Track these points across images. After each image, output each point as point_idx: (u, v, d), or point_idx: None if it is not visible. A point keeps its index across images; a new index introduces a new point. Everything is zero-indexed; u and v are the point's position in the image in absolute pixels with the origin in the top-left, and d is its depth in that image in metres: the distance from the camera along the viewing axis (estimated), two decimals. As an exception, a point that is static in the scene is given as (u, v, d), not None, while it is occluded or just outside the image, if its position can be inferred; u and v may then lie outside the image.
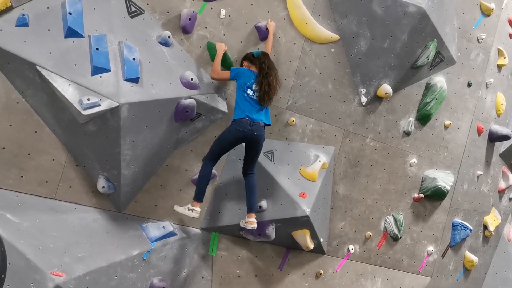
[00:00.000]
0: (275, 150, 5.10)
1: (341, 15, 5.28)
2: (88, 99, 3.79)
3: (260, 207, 4.85)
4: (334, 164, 5.49)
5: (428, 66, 5.78)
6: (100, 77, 3.94)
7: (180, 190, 4.77)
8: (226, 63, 4.77)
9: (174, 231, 4.67)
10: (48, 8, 4.00)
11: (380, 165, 5.82)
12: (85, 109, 3.77)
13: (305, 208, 4.88)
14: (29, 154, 4.12)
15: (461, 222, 6.56)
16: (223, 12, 4.75)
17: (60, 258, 3.89)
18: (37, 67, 3.85)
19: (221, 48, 4.66)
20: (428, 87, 5.96)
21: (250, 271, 5.17)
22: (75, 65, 3.92)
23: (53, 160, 4.22)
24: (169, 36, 4.46)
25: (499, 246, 7.24)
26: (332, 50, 5.32)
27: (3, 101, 4.00)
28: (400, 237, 6.06)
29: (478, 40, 6.30)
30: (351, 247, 5.76)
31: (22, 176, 4.12)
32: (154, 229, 4.57)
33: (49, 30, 3.95)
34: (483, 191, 6.82)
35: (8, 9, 3.94)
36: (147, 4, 4.46)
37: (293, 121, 5.21)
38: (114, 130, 4.02)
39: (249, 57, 4.63)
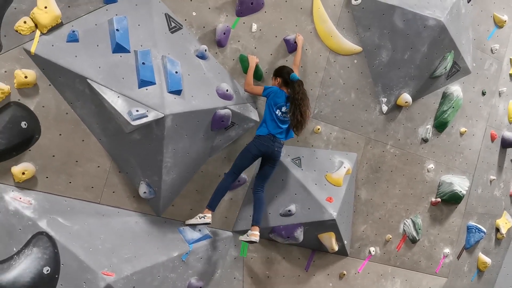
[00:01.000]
0: (302, 157, 5.36)
1: (364, 28, 5.54)
2: (137, 110, 4.05)
3: (289, 211, 5.12)
4: (356, 170, 5.75)
5: (445, 76, 6.04)
6: (146, 89, 4.20)
7: (214, 195, 5.03)
8: (257, 75, 5.03)
9: (209, 234, 4.92)
10: (96, 24, 4.27)
11: (400, 171, 6.08)
12: (134, 119, 4.03)
13: (332, 212, 5.14)
14: (76, 161, 4.39)
15: (476, 225, 6.81)
16: (254, 27, 5.02)
17: (109, 259, 4.15)
18: (88, 81, 4.12)
19: (253, 61, 4.92)
20: (445, 96, 6.22)
21: (278, 272, 5.42)
22: (123, 78, 4.19)
23: (98, 167, 4.48)
24: (206, 50, 4.73)
25: (510, 248, 7.46)
26: (355, 61, 5.58)
27: (53, 112, 4.27)
28: (418, 240, 6.31)
29: (491, 50, 6.56)
30: (372, 249, 6.01)
31: (70, 182, 4.39)
32: (191, 232, 4.83)
33: (97, 45, 4.22)
34: (496, 195, 7.07)
35: (59, 25, 4.22)
36: (185, 20, 4.73)
37: (318, 129, 5.47)
38: (158, 139, 4.28)
39: (284, 77, 4.77)
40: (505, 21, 6.59)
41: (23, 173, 4.14)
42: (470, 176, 6.65)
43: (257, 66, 4.99)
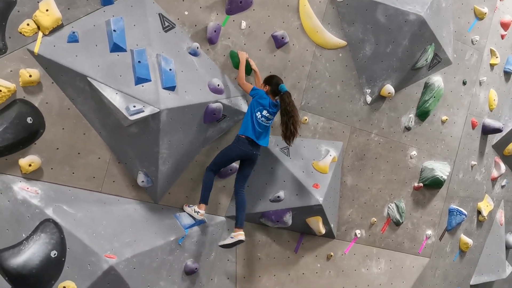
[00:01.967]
0: (290, 146, 5.68)
1: (348, 23, 5.83)
2: (134, 106, 4.36)
3: (278, 197, 5.46)
4: (342, 157, 6.08)
5: (427, 67, 6.35)
6: (143, 86, 4.51)
7: (208, 183, 5.36)
8: (246, 69, 5.30)
9: (204, 219, 5.26)
10: (94, 25, 4.54)
11: (384, 158, 6.42)
12: (131, 114, 4.35)
13: (318, 197, 5.48)
14: (79, 153, 4.70)
15: (457, 208, 7.16)
16: (243, 24, 5.30)
17: (111, 243, 4.48)
18: (88, 78, 4.42)
19: (243, 57, 5.21)
20: (427, 86, 6.53)
21: (269, 254, 5.78)
22: (120, 76, 4.49)
23: (99, 158, 4.80)
24: (198, 47, 5.02)
25: (492, 229, 7.81)
26: (340, 55, 5.88)
27: (56, 108, 4.56)
28: (402, 222, 6.67)
29: (472, 42, 6.86)
30: (358, 231, 6.38)
31: (73, 173, 4.70)
32: (186, 218, 5.16)
33: (96, 45, 4.51)
34: (477, 180, 7.42)
35: (59, 27, 4.50)
36: (178, 19, 5.00)
37: (306, 119, 5.79)
38: (154, 132, 4.60)
39: (273, 87, 4.95)
40: (485, 13, 6.86)
41: (30, 165, 4.45)
42: (451, 162, 6.99)
43: (246, 61, 5.29)
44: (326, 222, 5.76)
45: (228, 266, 5.52)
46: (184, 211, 5.19)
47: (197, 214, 5.04)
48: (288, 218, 5.55)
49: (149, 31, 4.72)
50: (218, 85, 5.04)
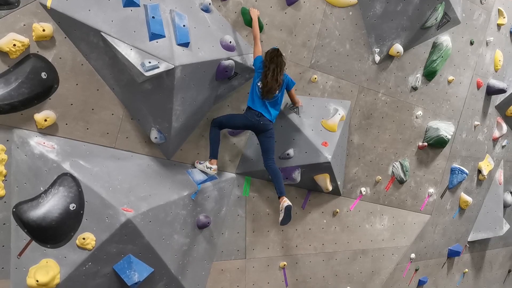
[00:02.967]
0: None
1: (359, -20, 5.79)
2: (149, 62, 4.37)
3: (288, 154, 5.56)
4: (350, 116, 6.15)
5: (436, 26, 6.34)
6: (157, 42, 4.49)
7: (218, 140, 5.44)
8: (259, 26, 5.29)
9: (215, 175, 5.37)
10: (106, -21, 4.50)
11: (390, 117, 6.50)
12: (147, 70, 4.36)
13: (327, 155, 5.58)
14: (92, 109, 4.74)
15: (459, 167, 7.33)
16: (255, -20, 5.25)
17: (127, 197, 4.59)
18: (102, 34, 4.40)
19: (254, 14, 5.18)
20: (435, 46, 6.55)
21: (277, 209, 5.90)
22: (134, 31, 4.47)
23: (112, 114, 4.84)
24: (209, 3, 4.98)
25: (491, 188, 8.04)
26: (350, 13, 5.85)
27: (70, 63, 4.56)
28: (406, 181, 6.83)
29: (481, 1, 6.82)
30: (363, 189, 6.53)
31: (87, 128, 4.75)
32: (198, 174, 5.27)
33: (109, 0, 4.47)
34: (479, 140, 7.56)
35: (71, -20, 4.44)
36: (190, -26, 4.95)
37: (315, 78, 5.82)
38: (168, 88, 4.62)
39: (267, 56, 4.92)
40: (495, -28, 6.82)
41: (45, 120, 4.49)
42: (455, 122, 7.09)
43: (258, 18, 5.26)
44: (333, 180, 5.89)
45: (238, 221, 5.68)
46: (196, 168, 5.28)
47: (210, 169, 5.13)
48: (297, 175, 5.66)
49: (162, -15, 4.67)
50: (230, 42, 5.04)
